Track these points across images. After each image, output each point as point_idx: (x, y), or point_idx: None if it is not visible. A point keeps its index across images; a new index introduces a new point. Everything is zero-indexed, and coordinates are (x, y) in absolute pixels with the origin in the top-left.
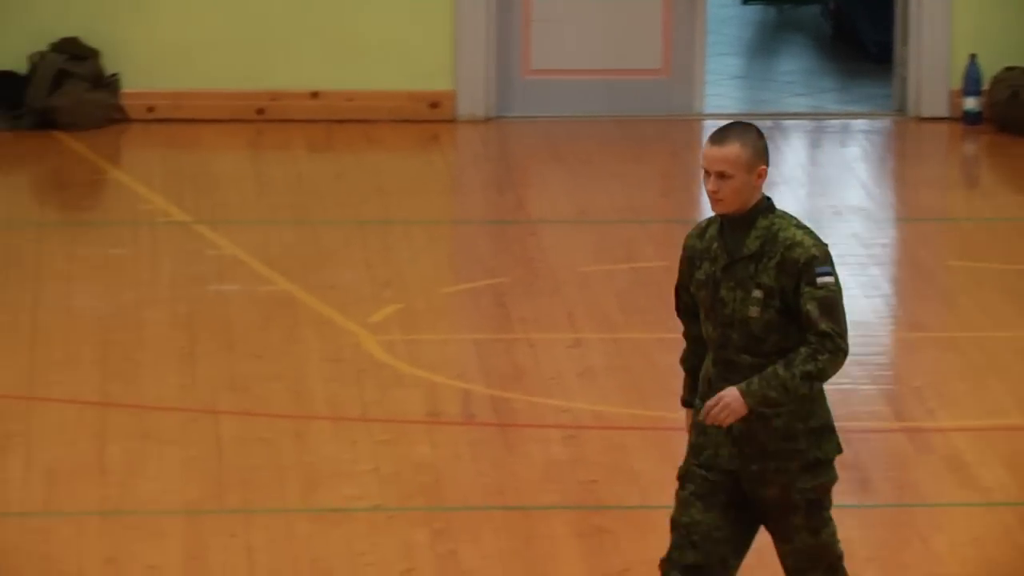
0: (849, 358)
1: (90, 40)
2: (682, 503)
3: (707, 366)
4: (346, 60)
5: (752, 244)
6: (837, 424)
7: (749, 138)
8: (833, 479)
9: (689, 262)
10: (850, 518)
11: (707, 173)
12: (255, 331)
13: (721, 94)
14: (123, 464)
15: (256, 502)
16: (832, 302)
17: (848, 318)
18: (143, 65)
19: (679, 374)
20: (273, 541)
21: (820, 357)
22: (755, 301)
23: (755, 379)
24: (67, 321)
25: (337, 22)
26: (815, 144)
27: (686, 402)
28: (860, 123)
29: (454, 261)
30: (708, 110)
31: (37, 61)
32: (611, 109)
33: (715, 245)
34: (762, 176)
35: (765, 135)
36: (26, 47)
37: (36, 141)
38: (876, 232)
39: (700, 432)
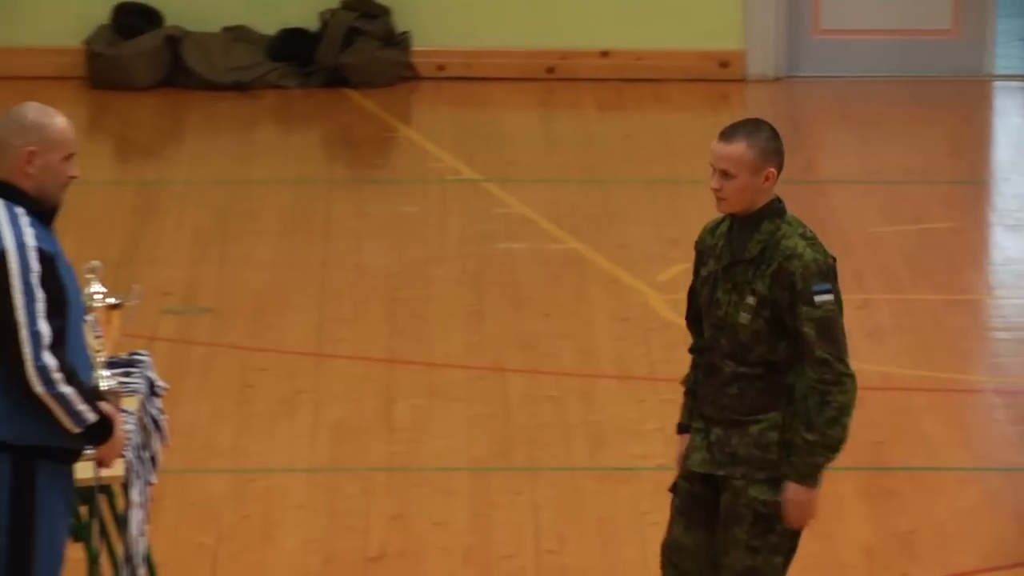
0: None
1: None
2: (670, 520)
3: (691, 367)
4: (636, 19)
5: (753, 248)
6: None
7: (758, 138)
8: None
9: (698, 258)
10: None
11: (713, 169)
12: (543, 289)
13: (1010, 54)
14: (410, 421)
15: (542, 460)
16: (830, 323)
17: None
18: (433, 23)
19: (969, 336)
20: (558, 499)
21: (830, 396)
22: (747, 307)
23: (792, 460)
24: (356, 278)
25: None
26: None
27: (682, 427)
28: None
29: None
30: (998, 71)
31: (328, 19)
32: (900, 69)
33: (721, 243)
34: (770, 179)
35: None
36: (318, 4)
37: (326, 98)
38: None
39: (689, 444)
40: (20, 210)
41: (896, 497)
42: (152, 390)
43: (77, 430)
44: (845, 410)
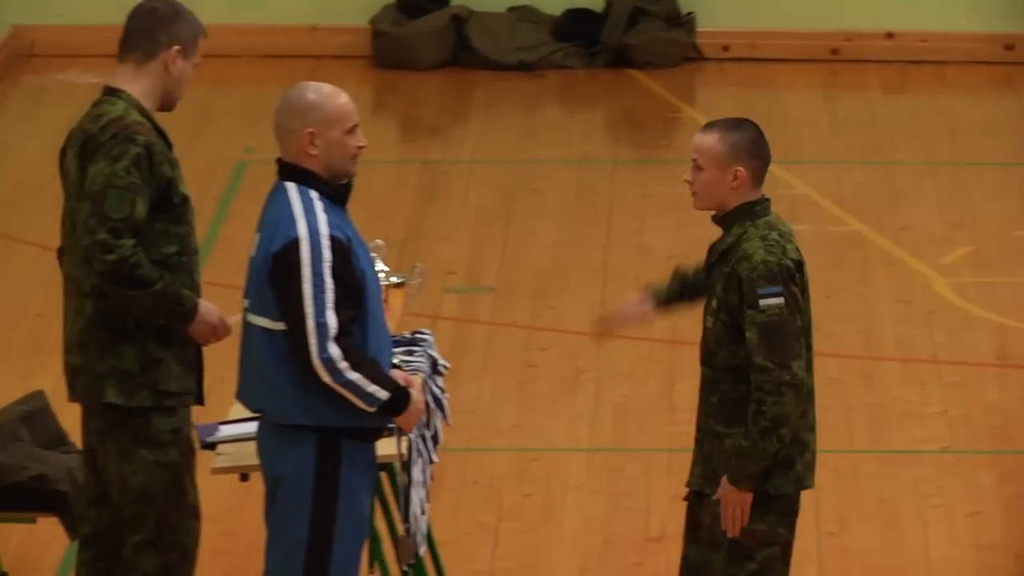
0: None
1: None
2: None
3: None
4: (921, 0)
5: (721, 248)
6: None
7: (732, 135)
8: (772, 532)
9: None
10: None
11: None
12: (826, 271)
13: None
14: (691, 402)
15: (824, 442)
16: (774, 328)
17: None
18: (719, 4)
19: None
20: (840, 481)
21: (764, 406)
22: (711, 311)
23: (731, 459)
24: (638, 258)
25: None
26: None
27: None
28: None
29: None
30: None
31: None
32: None
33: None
34: (738, 179)
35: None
36: None
37: (611, 79)
38: None
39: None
40: (314, 194)
41: None
42: (435, 369)
43: (371, 410)
44: (780, 420)
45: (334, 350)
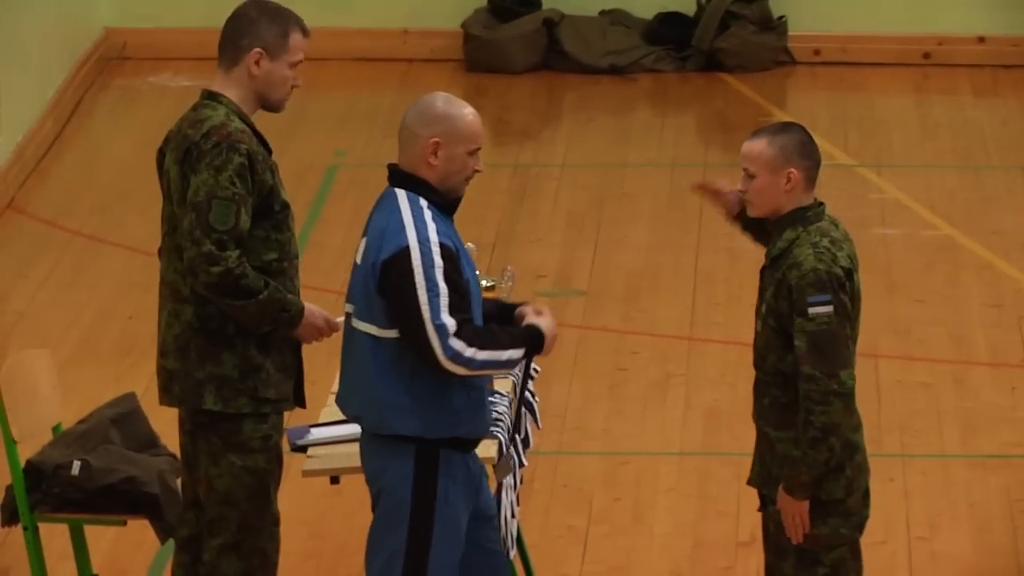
0: None
1: None
2: None
3: None
4: (1013, 4)
5: (773, 253)
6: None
7: (781, 137)
8: (835, 534)
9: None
10: None
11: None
12: (917, 275)
13: None
14: None
15: (914, 447)
16: (823, 337)
17: None
18: (809, 7)
19: None
20: (930, 486)
21: (813, 416)
22: (760, 315)
23: (785, 470)
24: (729, 262)
25: None
26: None
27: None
28: None
29: None
30: None
31: (705, 3)
32: None
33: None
34: (792, 180)
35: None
36: None
37: (702, 82)
38: None
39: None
40: (424, 202)
41: None
42: (526, 372)
43: (519, 362)
44: (830, 430)
45: (457, 344)
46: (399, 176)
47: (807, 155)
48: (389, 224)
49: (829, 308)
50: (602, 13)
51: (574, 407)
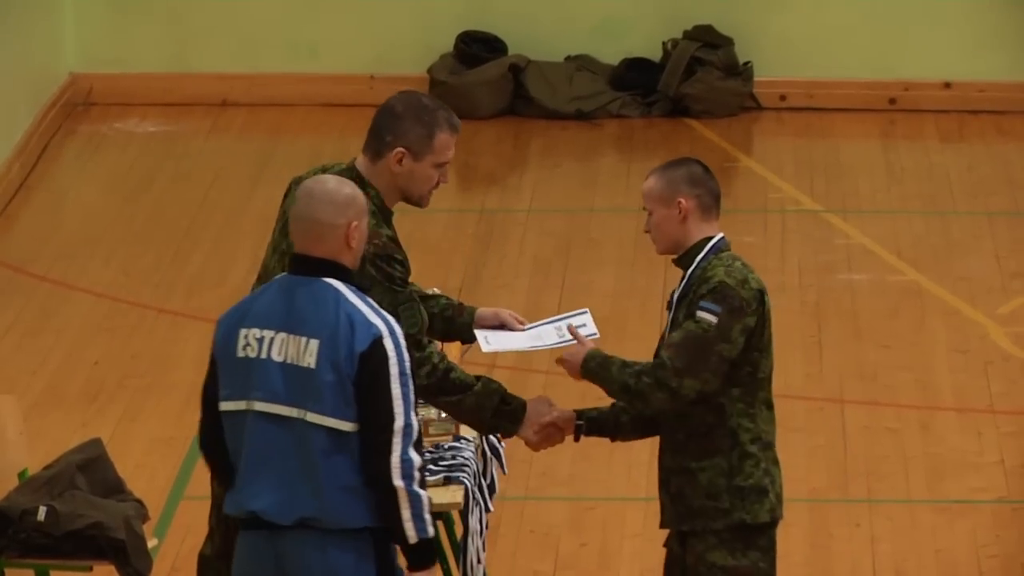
0: None
1: (724, 28)
2: None
3: None
4: (979, 50)
5: (681, 289)
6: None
7: (670, 171)
8: (754, 567)
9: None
10: None
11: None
12: (883, 320)
13: None
14: None
15: (881, 492)
16: (695, 339)
17: None
18: (776, 53)
19: None
20: (897, 531)
21: (643, 379)
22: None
23: (604, 357)
24: None
25: (969, 12)
26: None
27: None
28: None
29: None
30: None
31: (671, 48)
32: None
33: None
34: (682, 209)
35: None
36: (661, 34)
37: (668, 128)
38: None
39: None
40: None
41: None
42: None
43: (414, 539)
44: (638, 397)
45: (415, 456)
46: (322, 266)
47: (696, 184)
48: (351, 316)
49: (714, 320)
50: (568, 59)
51: (539, 453)
